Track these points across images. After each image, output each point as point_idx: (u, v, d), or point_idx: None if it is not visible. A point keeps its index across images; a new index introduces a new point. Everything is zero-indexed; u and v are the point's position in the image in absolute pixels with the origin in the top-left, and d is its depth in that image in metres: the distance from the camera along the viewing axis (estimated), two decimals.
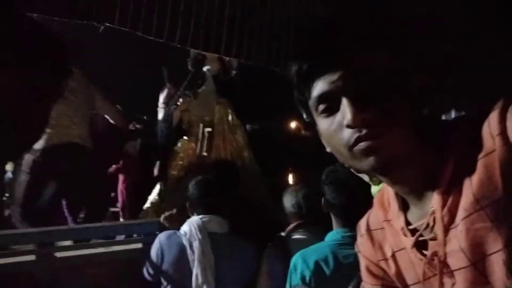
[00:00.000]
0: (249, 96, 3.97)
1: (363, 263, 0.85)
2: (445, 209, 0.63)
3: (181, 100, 3.53)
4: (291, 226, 2.03)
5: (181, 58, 3.63)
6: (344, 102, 0.62)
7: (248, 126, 3.94)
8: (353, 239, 0.92)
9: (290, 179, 4.00)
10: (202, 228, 1.98)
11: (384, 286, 0.81)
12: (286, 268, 1.86)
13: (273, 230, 2.14)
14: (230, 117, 3.52)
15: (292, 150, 3.78)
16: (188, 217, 2.34)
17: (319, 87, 0.65)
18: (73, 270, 2.18)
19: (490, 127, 0.59)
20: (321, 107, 0.66)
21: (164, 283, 1.98)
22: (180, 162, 3.34)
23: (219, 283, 1.91)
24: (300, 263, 1.53)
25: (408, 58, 0.68)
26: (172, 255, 1.96)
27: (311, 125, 0.73)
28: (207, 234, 1.97)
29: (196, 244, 1.93)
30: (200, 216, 2.05)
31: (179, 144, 3.41)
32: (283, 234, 2.06)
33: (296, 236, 1.97)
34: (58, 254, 2.20)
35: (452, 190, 0.63)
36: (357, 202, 0.83)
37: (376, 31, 0.66)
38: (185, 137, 3.43)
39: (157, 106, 3.58)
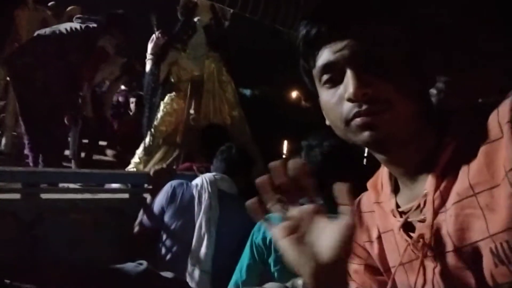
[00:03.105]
0: (244, 55, 3.83)
1: None
2: (438, 192, 0.62)
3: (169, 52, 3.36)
4: None
5: (171, 5, 3.42)
6: (348, 74, 0.61)
7: (245, 90, 3.84)
8: None
9: (284, 148, 3.99)
10: (213, 183, 2.08)
11: (367, 265, 0.80)
12: None
13: None
14: (220, 73, 3.39)
15: (289, 120, 3.73)
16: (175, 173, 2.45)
17: (325, 56, 0.64)
18: (57, 213, 2.18)
19: (499, 114, 0.58)
20: (325, 77, 0.65)
21: (162, 232, 2.04)
22: (168, 118, 3.27)
23: (219, 237, 2.01)
24: None
25: (420, 33, 0.66)
26: (181, 202, 2.04)
27: (312, 96, 0.72)
28: (217, 190, 2.07)
29: (205, 196, 2.02)
30: (214, 173, 2.15)
31: (167, 99, 3.31)
32: None
33: None
34: (44, 196, 2.20)
35: (447, 174, 0.62)
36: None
37: (388, 1, 0.64)
38: (173, 92, 3.32)
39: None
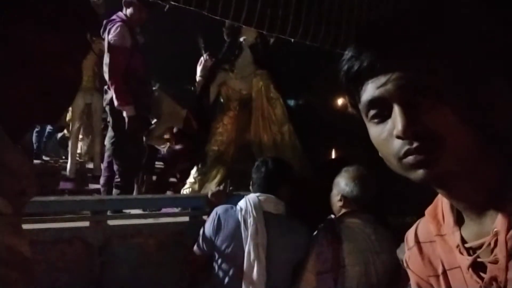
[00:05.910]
0: (291, 68, 3.79)
1: (413, 279, 0.79)
2: (511, 232, 0.56)
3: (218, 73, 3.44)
4: (343, 211, 2.00)
5: (217, 28, 3.45)
6: (395, 110, 0.57)
7: (290, 101, 3.82)
8: None
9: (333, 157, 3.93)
10: (257, 206, 1.98)
11: None
12: (335, 251, 1.85)
13: (324, 212, 2.11)
14: (268, 90, 3.41)
15: (337, 128, 3.66)
16: (231, 192, 2.44)
17: (369, 91, 0.60)
18: (123, 238, 2.28)
19: None
20: (371, 112, 0.61)
21: (216, 257, 2.01)
22: (220, 138, 3.33)
23: (270, 262, 1.93)
24: None
25: (473, 63, 0.60)
26: (228, 229, 1.98)
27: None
28: (262, 213, 1.97)
29: (250, 221, 1.93)
30: (257, 194, 2.04)
31: (217, 119, 3.38)
32: (332, 217, 2.05)
33: (348, 220, 1.95)
34: (110, 222, 2.31)
35: None
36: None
37: (433, 33, 0.59)
38: (223, 112, 3.39)
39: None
